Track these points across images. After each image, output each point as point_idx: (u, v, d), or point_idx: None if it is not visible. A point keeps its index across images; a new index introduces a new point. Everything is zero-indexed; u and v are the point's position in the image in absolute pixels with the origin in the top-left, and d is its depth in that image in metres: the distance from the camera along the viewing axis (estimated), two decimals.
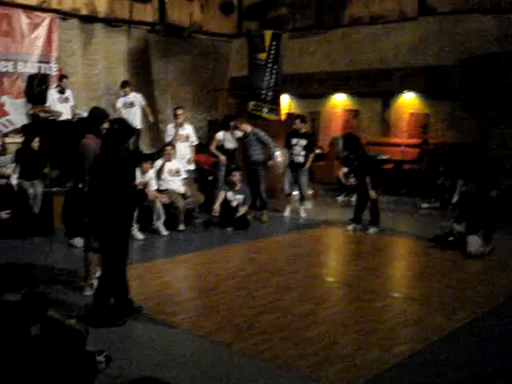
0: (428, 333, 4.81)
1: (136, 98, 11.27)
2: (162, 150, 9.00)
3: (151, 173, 8.36)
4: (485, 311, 5.36)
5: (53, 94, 10.36)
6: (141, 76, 13.66)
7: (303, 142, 9.79)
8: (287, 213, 9.98)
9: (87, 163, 5.39)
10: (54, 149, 8.25)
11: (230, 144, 9.80)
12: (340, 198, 11.82)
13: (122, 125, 5.03)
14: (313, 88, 14.85)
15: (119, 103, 11.13)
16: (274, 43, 12.42)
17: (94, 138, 5.53)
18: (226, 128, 9.80)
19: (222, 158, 9.62)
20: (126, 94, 11.14)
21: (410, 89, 13.54)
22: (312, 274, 6.60)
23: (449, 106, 12.95)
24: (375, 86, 13.83)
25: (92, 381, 3.66)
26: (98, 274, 5.66)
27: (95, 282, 5.60)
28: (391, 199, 11.72)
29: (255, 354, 4.30)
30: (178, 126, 9.37)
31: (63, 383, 3.28)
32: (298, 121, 10.02)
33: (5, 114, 11.39)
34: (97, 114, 5.68)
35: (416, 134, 13.40)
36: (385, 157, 12.83)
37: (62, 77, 11.01)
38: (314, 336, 4.69)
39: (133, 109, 11.12)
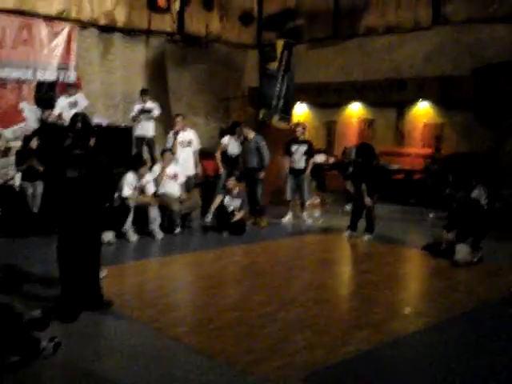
0: (383, 335, 4.80)
1: (152, 106, 11.47)
2: (162, 154, 9.22)
3: (148, 177, 8.55)
4: (449, 318, 5.30)
5: (62, 101, 10.70)
6: (157, 84, 13.94)
7: (303, 148, 9.90)
8: (287, 219, 10.04)
9: None
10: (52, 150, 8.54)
11: (234, 150, 9.96)
12: (348, 207, 11.77)
13: (85, 121, 5.09)
14: (329, 98, 14.88)
15: (136, 110, 11.28)
16: (285, 52, 12.53)
17: None
18: (232, 133, 10.00)
19: (221, 167, 9.81)
20: (143, 102, 11.33)
21: (424, 99, 13.44)
22: (290, 277, 6.63)
23: (463, 115, 12.76)
24: (390, 96, 13.77)
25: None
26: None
27: None
28: (400, 209, 11.66)
29: (201, 348, 4.39)
30: (177, 132, 9.58)
31: None
32: (299, 128, 10.18)
33: (23, 119, 11.89)
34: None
35: (430, 144, 13.28)
36: (395, 167, 12.74)
37: (71, 85, 11.37)
38: (267, 334, 4.74)
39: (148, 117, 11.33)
